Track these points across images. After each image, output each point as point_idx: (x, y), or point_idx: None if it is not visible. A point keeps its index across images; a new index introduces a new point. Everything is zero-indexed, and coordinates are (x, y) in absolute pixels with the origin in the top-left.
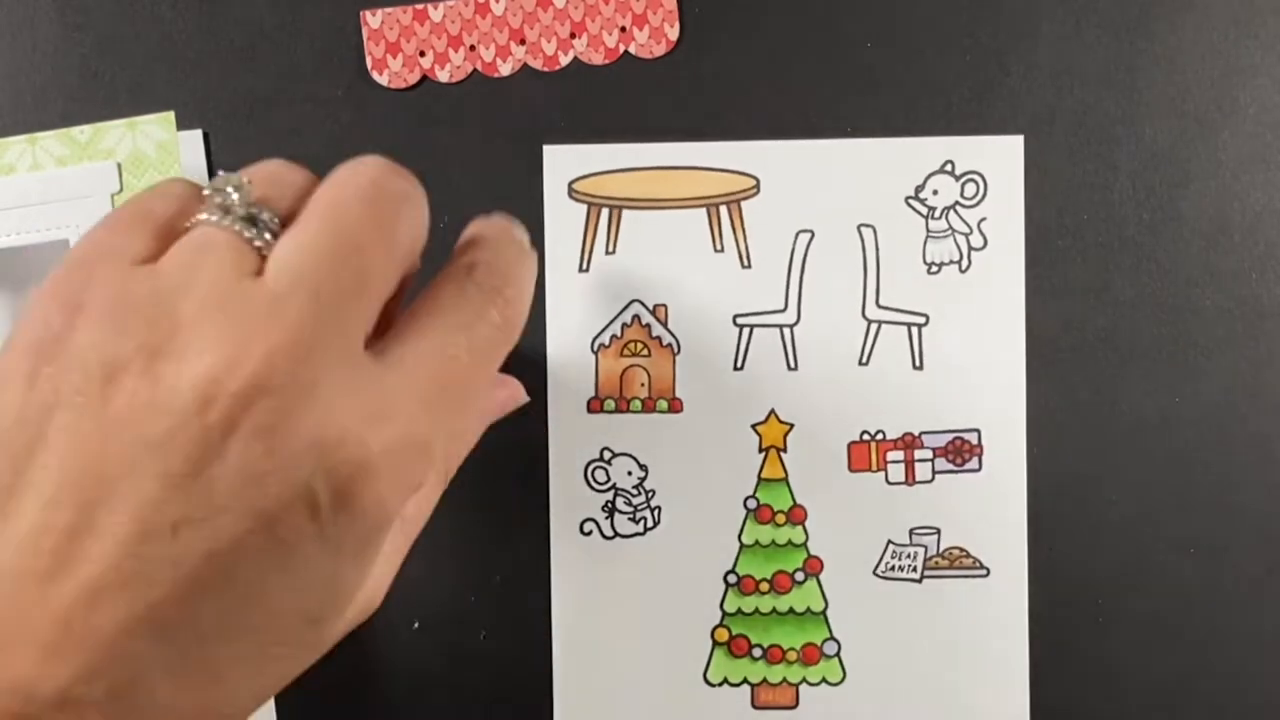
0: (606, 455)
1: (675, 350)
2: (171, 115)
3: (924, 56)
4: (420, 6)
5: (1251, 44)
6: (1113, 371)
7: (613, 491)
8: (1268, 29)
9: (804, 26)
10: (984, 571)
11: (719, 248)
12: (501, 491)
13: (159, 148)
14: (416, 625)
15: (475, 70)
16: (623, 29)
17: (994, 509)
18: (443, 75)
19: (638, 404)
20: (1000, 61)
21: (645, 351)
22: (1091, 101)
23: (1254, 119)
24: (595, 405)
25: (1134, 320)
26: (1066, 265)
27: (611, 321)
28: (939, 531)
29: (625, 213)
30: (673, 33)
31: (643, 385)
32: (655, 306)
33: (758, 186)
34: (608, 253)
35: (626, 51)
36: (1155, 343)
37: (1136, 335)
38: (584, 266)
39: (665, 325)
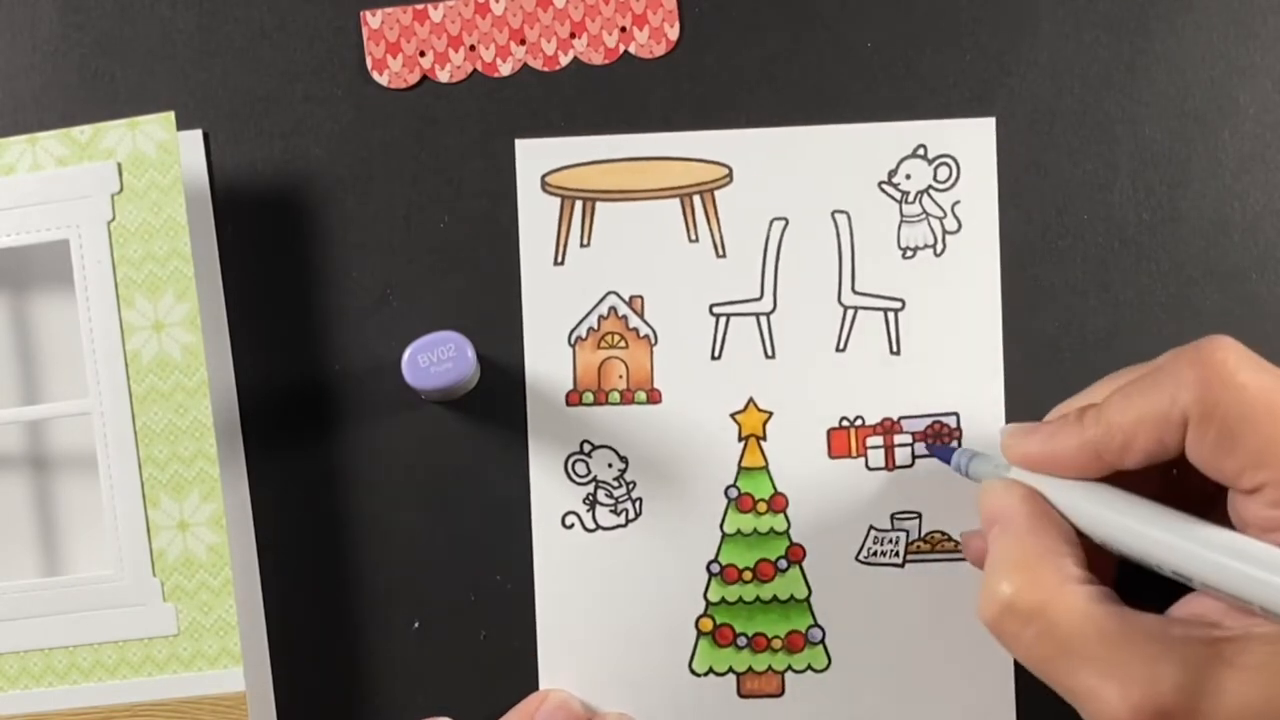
0: (586, 448)
1: (652, 341)
2: (171, 115)
3: (925, 57)
4: (420, 6)
5: (1251, 44)
6: (1112, 371)
7: (594, 484)
8: (1268, 29)
9: (804, 27)
10: None
11: (693, 238)
12: (491, 489)
13: (159, 148)
14: (417, 625)
15: (475, 70)
16: (623, 29)
17: (975, 492)
18: (443, 75)
19: (616, 396)
20: (1000, 61)
21: (622, 343)
22: (1091, 101)
23: (1254, 119)
24: (574, 398)
25: (1134, 320)
26: (1066, 265)
27: (588, 314)
28: (920, 516)
29: (599, 205)
30: (673, 33)
31: (621, 377)
32: (631, 298)
33: (730, 175)
34: (582, 245)
35: (626, 51)
36: (1155, 343)
37: (1136, 335)
38: (559, 260)
39: (642, 316)
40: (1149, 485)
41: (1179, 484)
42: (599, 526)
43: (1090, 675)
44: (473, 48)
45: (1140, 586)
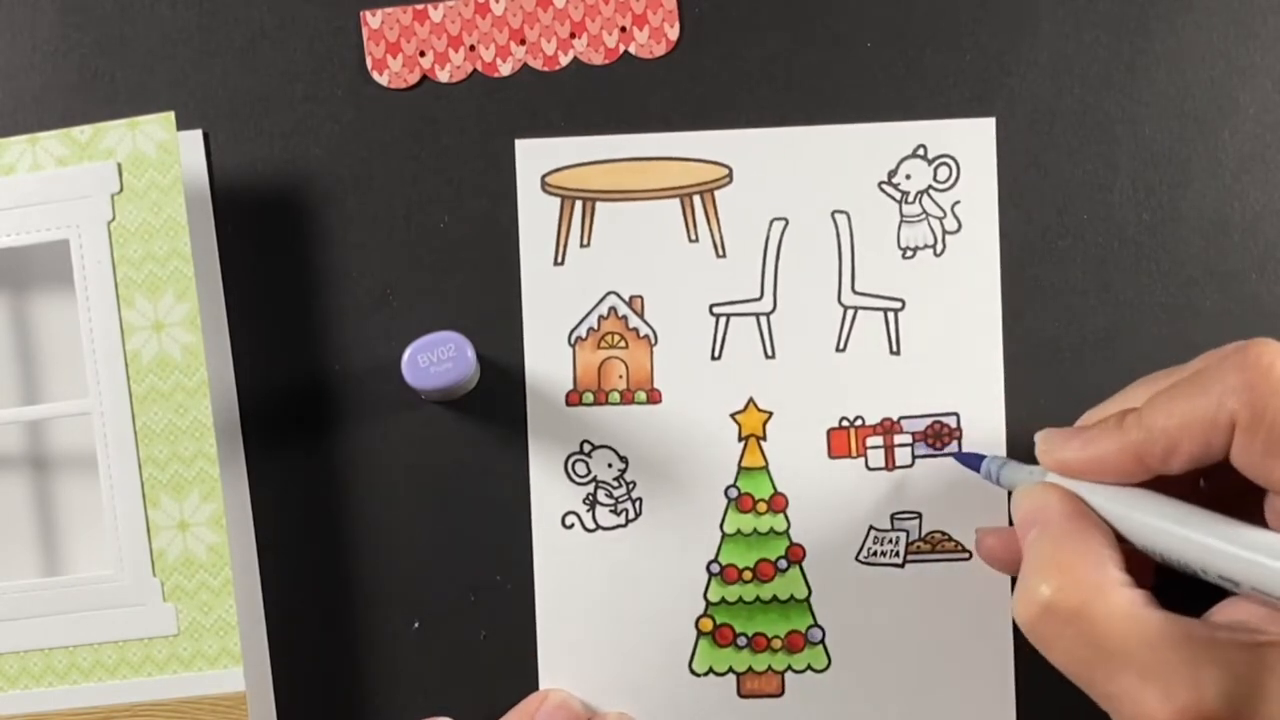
0: (586, 448)
1: (652, 341)
2: (171, 115)
3: (924, 57)
4: (420, 6)
5: (1251, 44)
6: (1113, 371)
7: (594, 484)
8: (1268, 29)
9: (804, 27)
10: (966, 555)
11: (694, 238)
12: (491, 489)
13: (159, 148)
14: (417, 625)
15: (475, 70)
16: (623, 29)
17: (974, 492)
18: (443, 75)
19: (616, 396)
20: (1000, 61)
21: (622, 343)
22: (1091, 101)
23: (1254, 119)
24: (574, 398)
25: (1134, 320)
26: (1066, 265)
27: (588, 314)
28: (920, 516)
29: (599, 205)
30: (673, 33)
31: (621, 377)
32: (631, 298)
33: (730, 175)
34: (582, 245)
35: (626, 51)
36: (1155, 343)
37: (1136, 335)
38: (559, 260)
39: (642, 316)
40: (1175, 493)
41: (1205, 492)
42: (599, 526)
43: (1131, 678)
44: (473, 48)
45: (1172, 593)
